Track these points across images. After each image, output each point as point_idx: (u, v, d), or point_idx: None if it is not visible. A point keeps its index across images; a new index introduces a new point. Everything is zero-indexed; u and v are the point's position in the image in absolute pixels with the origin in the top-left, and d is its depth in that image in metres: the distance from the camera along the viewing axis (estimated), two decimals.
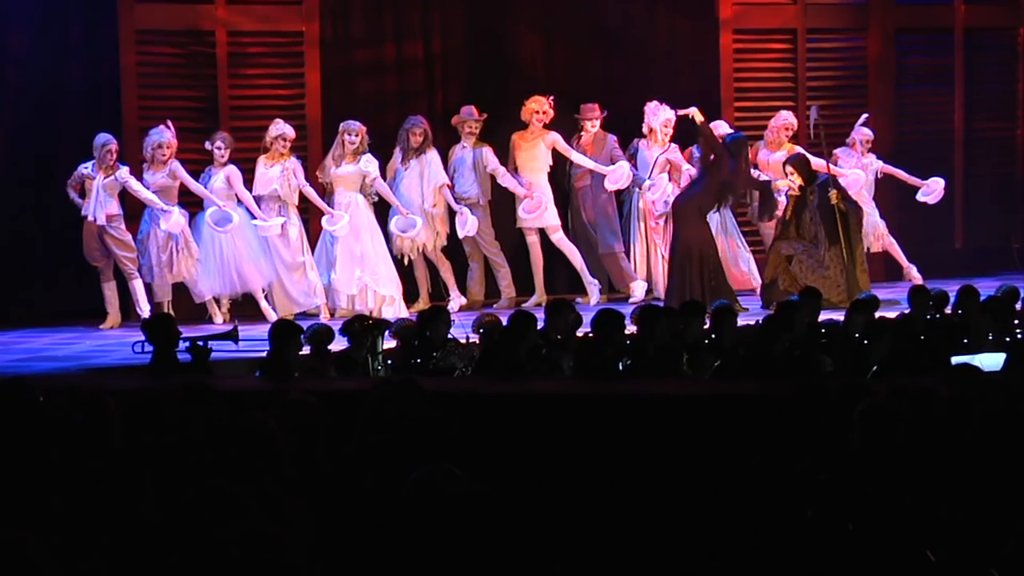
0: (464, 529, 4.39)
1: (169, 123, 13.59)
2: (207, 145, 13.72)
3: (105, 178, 13.28)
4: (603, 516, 5.37)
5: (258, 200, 13.77)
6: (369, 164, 13.88)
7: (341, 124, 13.95)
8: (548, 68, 15.51)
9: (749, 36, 16.02)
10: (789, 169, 14.25)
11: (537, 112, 14.50)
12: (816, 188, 14.13)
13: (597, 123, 14.71)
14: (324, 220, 13.88)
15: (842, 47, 16.27)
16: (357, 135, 13.87)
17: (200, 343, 9.29)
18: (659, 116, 14.58)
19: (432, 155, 14.18)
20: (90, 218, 13.32)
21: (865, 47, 16.33)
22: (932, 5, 16.86)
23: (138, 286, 13.45)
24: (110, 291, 13.55)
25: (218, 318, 13.63)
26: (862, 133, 15.13)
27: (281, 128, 13.81)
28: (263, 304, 13.76)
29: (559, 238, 14.68)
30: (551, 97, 14.48)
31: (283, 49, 14.76)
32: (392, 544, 4.58)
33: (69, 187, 13.38)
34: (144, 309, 13.25)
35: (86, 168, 13.34)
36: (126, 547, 4.70)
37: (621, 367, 9.24)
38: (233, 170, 13.70)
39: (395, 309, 13.71)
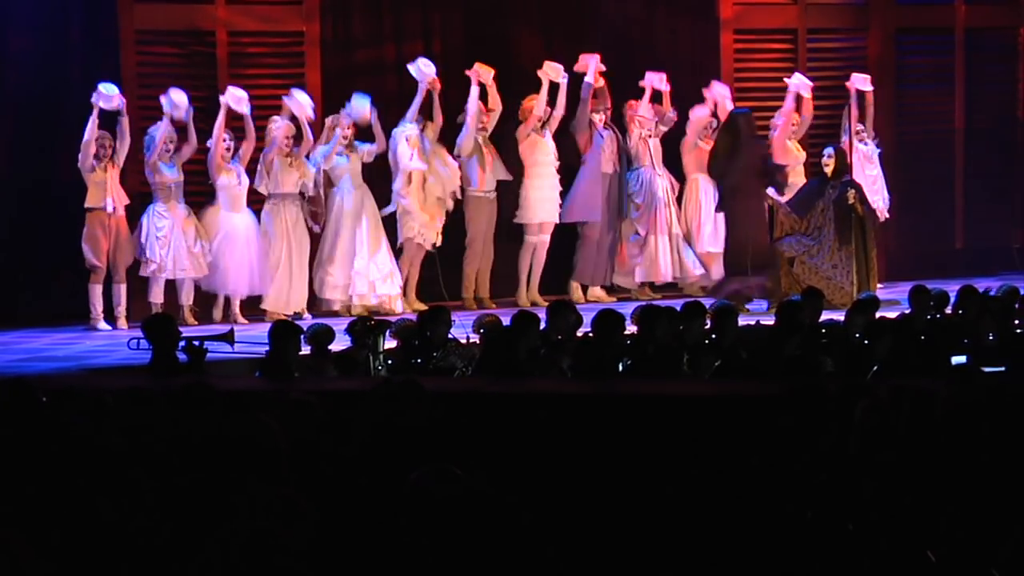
0: (464, 529, 4.39)
1: (165, 119, 13.65)
2: (210, 144, 13.71)
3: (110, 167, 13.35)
4: (603, 516, 5.36)
5: (278, 198, 13.80)
6: (366, 146, 14.03)
7: (330, 119, 14.04)
8: None
9: (750, 36, 16.03)
10: (829, 152, 14.25)
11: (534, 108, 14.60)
12: (840, 184, 14.12)
13: (605, 116, 14.78)
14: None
15: (842, 47, 16.27)
16: (349, 127, 13.97)
17: (196, 343, 9.29)
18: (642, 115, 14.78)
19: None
20: (108, 209, 13.33)
21: (865, 47, 16.34)
22: (932, 5, 16.87)
23: (123, 291, 13.47)
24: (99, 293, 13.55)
25: (191, 320, 13.56)
26: (856, 126, 15.15)
27: (280, 124, 13.85)
28: (236, 307, 13.76)
29: (544, 239, 14.71)
30: None
31: (283, 49, 14.77)
32: (392, 544, 4.58)
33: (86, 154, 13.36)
34: (122, 314, 13.33)
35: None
36: (125, 547, 4.70)
37: (621, 367, 9.24)
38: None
39: (394, 304, 13.83)
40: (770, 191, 14.38)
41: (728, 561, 5.06)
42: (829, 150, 14.28)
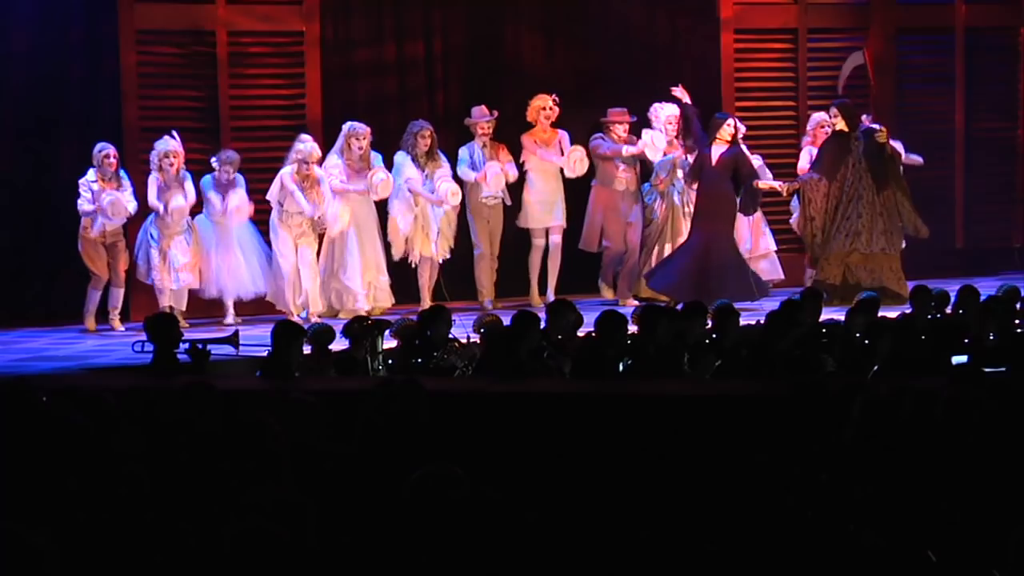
0: (465, 528, 4.39)
1: (175, 132, 13.53)
2: (213, 162, 13.62)
3: (113, 189, 13.22)
4: (604, 516, 5.36)
5: (289, 215, 13.70)
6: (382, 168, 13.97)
7: (348, 128, 13.91)
8: (549, 68, 15.51)
9: (750, 36, 16.03)
10: (833, 112, 14.30)
11: (544, 110, 14.46)
12: (860, 135, 14.21)
13: (627, 126, 14.64)
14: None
15: (843, 47, 16.25)
16: (365, 138, 13.89)
17: (199, 346, 9.29)
18: (661, 116, 14.60)
19: (442, 155, 14.24)
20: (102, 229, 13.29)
21: (866, 47, 16.33)
22: (933, 5, 16.86)
23: (120, 294, 13.45)
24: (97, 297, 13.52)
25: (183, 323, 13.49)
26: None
27: (310, 148, 13.65)
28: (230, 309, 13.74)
29: (556, 240, 14.63)
30: (554, 95, 14.47)
31: (284, 49, 14.76)
32: (393, 544, 4.58)
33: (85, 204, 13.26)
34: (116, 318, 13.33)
35: (95, 183, 13.24)
36: (126, 546, 4.70)
37: (622, 367, 9.24)
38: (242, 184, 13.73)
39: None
40: (805, 176, 14.46)
41: (729, 561, 5.06)
42: (832, 109, 14.36)
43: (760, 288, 13.99)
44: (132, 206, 13.27)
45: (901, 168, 14.80)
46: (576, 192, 14.77)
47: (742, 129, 14.65)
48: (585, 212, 14.78)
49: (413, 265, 14.21)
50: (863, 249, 14.25)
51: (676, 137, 14.62)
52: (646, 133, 14.50)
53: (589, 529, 5.19)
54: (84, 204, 13.21)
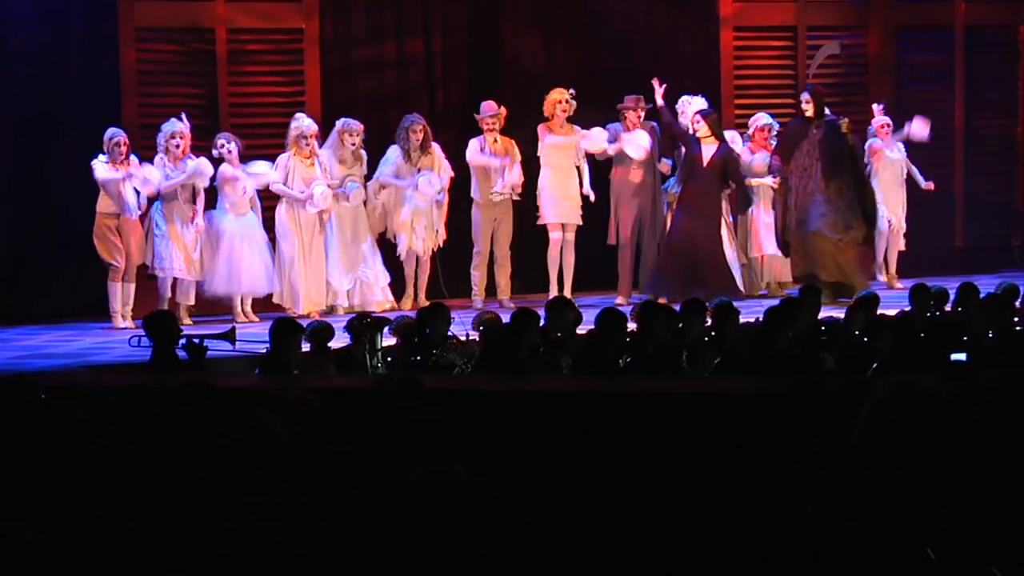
0: (465, 527, 4.39)
1: (183, 115, 13.52)
2: (215, 152, 13.61)
3: (126, 173, 13.20)
4: (603, 514, 5.37)
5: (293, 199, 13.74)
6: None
7: (341, 124, 13.90)
8: (549, 65, 15.52)
9: (750, 33, 16.05)
10: (806, 97, 14.27)
11: (560, 103, 14.32)
12: (824, 124, 14.19)
13: (642, 114, 14.55)
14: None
15: (842, 45, 16.28)
16: (358, 135, 13.87)
17: (196, 341, 9.29)
18: (689, 111, 14.57)
19: (437, 148, 14.19)
20: (133, 217, 13.26)
21: (866, 45, 16.36)
22: (933, 3, 16.89)
23: (132, 289, 13.42)
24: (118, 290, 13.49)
25: (187, 320, 13.46)
26: (881, 122, 15.15)
27: (307, 124, 13.74)
28: (237, 307, 13.70)
29: (569, 238, 14.58)
30: (571, 89, 14.38)
31: (283, 46, 14.77)
32: (394, 542, 4.58)
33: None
34: (127, 314, 13.30)
35: (106, 163, 13.25)
36: (126, 546, 4.70)
37: (620, 364, 9.24)
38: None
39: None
40: (776, 166, 14.46)
41: (728, 559, 5.06)
42: (805, 94, 14.33)
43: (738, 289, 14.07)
44: (156, 177, 13.27)
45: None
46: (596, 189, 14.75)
47: (775, 126, 14.71)
48: (608, 207, 14.70)
49: (400, 258, 14.23)
50: (821, 236, 14.20)
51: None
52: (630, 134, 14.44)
53: (589, 526, 5.19)
54: (100, 169, 13.10)
